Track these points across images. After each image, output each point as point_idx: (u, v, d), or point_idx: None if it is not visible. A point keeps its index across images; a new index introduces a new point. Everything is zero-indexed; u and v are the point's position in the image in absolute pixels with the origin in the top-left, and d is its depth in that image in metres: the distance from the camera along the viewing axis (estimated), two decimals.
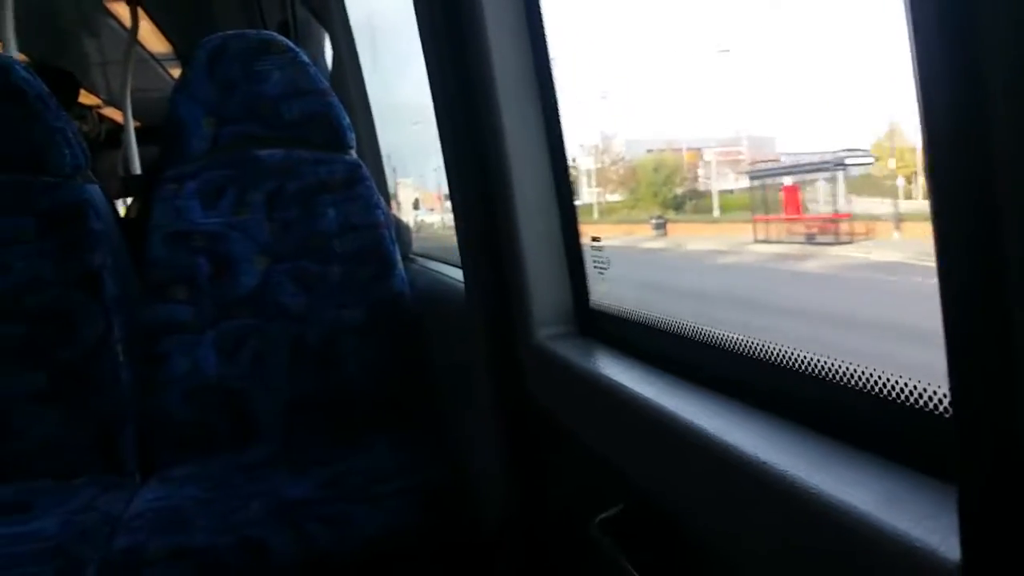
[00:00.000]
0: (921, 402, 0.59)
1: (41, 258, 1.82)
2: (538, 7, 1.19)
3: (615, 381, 0.89)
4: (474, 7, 1.19)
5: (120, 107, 4.24)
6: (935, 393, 0.57)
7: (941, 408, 0.57)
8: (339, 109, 1.95)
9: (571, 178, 1.20)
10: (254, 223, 1.89)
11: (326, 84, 1.98)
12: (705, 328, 0.85)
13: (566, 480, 1.13)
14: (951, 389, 0.45)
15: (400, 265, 1.91)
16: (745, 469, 0.65)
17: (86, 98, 4.15)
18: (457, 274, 1.57)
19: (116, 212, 2.07)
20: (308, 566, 1.42)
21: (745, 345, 0.78)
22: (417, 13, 1.32)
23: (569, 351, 1.07)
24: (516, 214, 1.21)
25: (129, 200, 2.83)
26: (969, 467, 0.44)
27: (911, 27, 0.42)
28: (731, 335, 0.80)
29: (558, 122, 1.18)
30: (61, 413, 1.78)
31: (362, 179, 1.92)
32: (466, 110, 1.29)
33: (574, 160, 1.26)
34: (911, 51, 0.43)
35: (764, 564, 0.63)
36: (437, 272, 1.93)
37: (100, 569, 1.37)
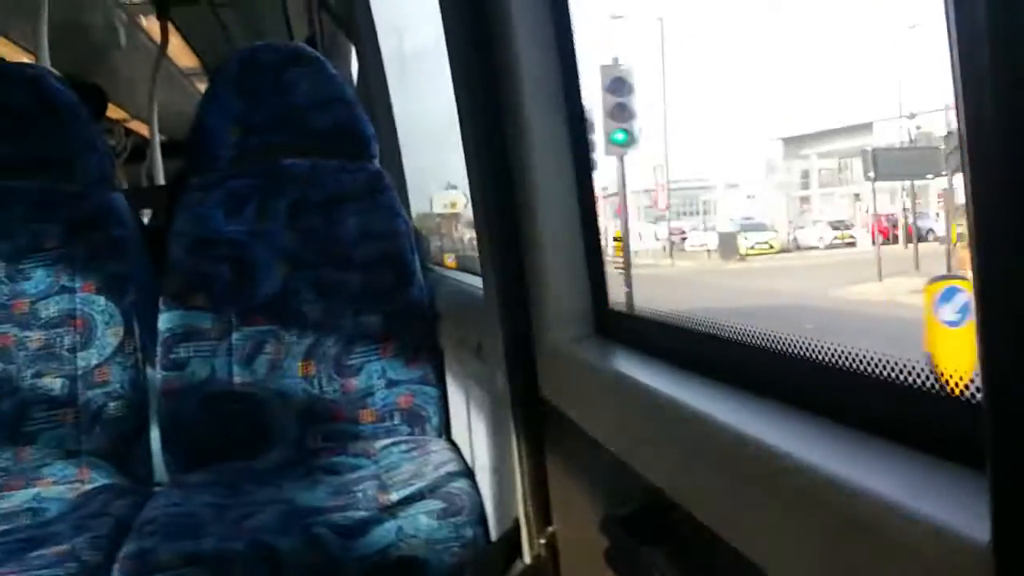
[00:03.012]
0: (946, 390, 0.58)
1: (63, 264, 1.84)
2: (566, 14, 1.20)
3: (630, 378, 0.88)
4: (502, 13, 1.20)
5: (147, 121, 4.30)
6: (960, 380, 0.56)
7: (967, 394, 0.56)
8: (364, 119, 1.96)
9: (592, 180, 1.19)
10: (276, 231, 1.90)
11: (352, 94, 1.99)
12: (722, 323, 0.84)
13: (581, 482, 1.11)
14: (983, 374, 0.44)
15: (419, 273, 1.91)
16: (766, 462, 0.64)
17: (113, 112, 4.21)
18: (477, 282, 1.57)
19: (140, 220, 2.09)
20: (320, 573, 1.41)
21: (763, 338, 0.77)
22: (444, 18, 1.33)
23: (586, 351, 1.06)
24: (538, 217, 1.21)
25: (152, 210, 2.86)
26: (1002, 450, 0.43)
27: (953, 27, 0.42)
28: (750, 328, 0.79)
29: (583, 126, 1.19)
30: (77, 419, 1.79)
31: (384, 188, 1.93)
32: (490, 115, 1.29)
33: None
34: (951, 41, 0.42)
35: (787, 557, 0.62)
36: (456, 280, 1.93)
37: (111, 573, 1.37)
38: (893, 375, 0.63)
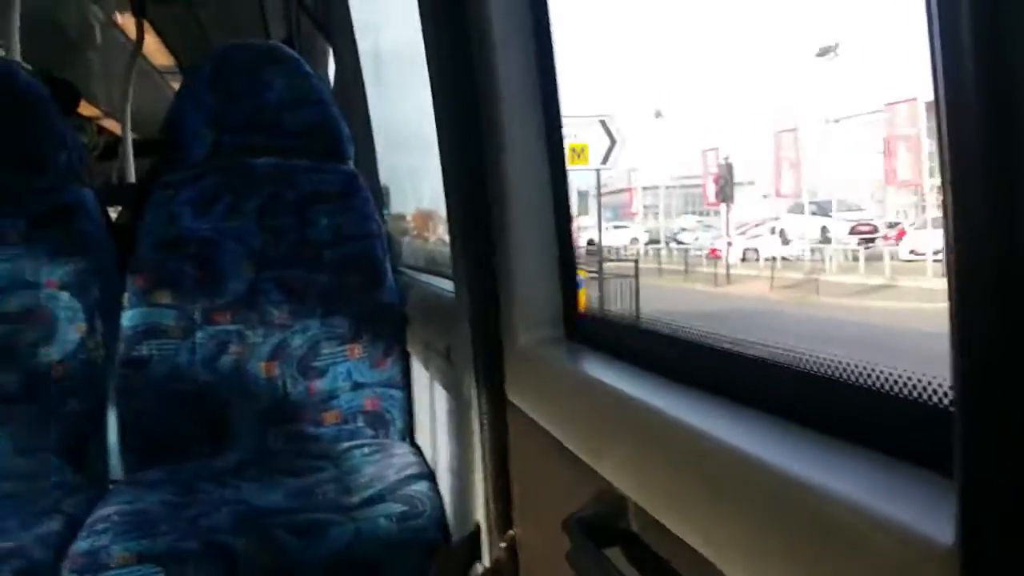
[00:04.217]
0: (914, 394, 0.57)
1: (28, 259, 1.81)
2: (545, 15, 1.19)
3: (597, 381, 0.87)
4: (481, 17, 1.20)
5: (119, 119, 4.24)
6: (928, 385, 0.56)
7: (935, 399, 0.55)
8: (339, 120, 1.94)
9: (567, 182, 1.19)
10: (245, 230, 1.88)
11: (327, 94, 1.98)
12: (692, 328, 0.83)
13: (545, 485, 1.10)
14: (954, 379, 0.44)
15: (391, 276, 1.90)
16: (733, 465, 0.64)
17: (85, 109, 4.15)
18: (449, 285, 1.56)
19: (108, 217, 2.06)
20: (275, 575, 1.38)
21: (733, 343, 0.76)
22: (422, 16, 1.32)
23: (554, 354, 1.05)
24: (510, 219, 1.20)
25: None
26: (970, 454, 0.43)
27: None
28: (719, 334, 0.79)
29: (559, 128, 1.18)
30: (32, 415, 1.75)
31: (358, 190, 1.91)
32: (466, 118, 1.29)
33: None
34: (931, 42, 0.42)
35: (751, 559, 0.61)
36: (427, 283, 1.92)
37: (59, 571, 1.33)
38: (859, 379, 0.62)
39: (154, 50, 4.29)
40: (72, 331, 1.80)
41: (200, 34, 3.97)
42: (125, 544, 1.36)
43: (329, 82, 2.62)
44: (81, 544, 1.37)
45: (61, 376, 1.77)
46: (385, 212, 2.41)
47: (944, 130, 0.41)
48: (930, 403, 0.56)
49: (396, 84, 2.51)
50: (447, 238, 1.42)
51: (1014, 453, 0.40)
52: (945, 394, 0.54)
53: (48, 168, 1.86)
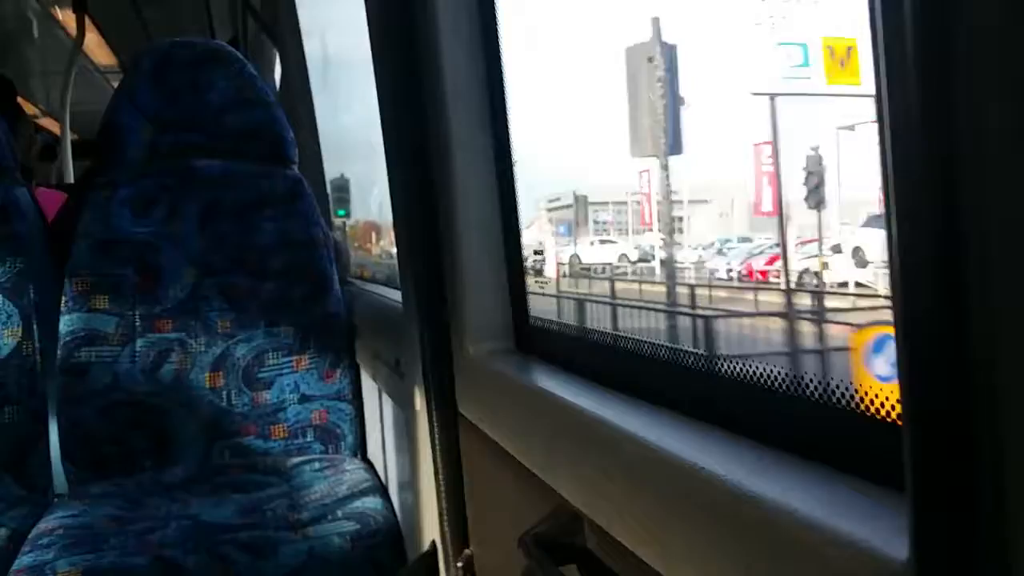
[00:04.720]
0: (862, 407, 0.57)
1: None
2: (493, 18, 1.18)
3: (548, 393, 0.86)
4: (427, 18, 1.18)
5: (58, 118, 4.13)
6: (876, 398, 0.56)
7: (883, 412, 0.56)
8: (283, 123, 1.91)
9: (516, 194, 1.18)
10: (186, 235, 1.83)
11: (272, 97, 1.94)
12: (642, 340, 0.83)
13: (499, 501, 1.09)
14: (903, 395, 0.44)
15: (337, 285, 1.86)
16: (683, 478, 0.63)
17: (23, 107, 4.03)
18: (397, 296, 1.54)
19: (44, 218, 1.99)
20: None
21: (681, 356, 0.76)
22: (369, 21, 1.31)
23: (503, 366, 1.04)
24: (459, 229, 1.18)
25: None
26: (921, 469, 0.42)
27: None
28: (666, 345, 0.78)
29: (507, 137, 1.17)
30: None
31: (303, 195, 1.88)
32: (413, 125, 1.27)
33: None
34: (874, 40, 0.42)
35: (706, 574, 0.61)
36: (375, 293, 1.89)
37: None
38: (812, 393, 0.62)
39: (96, 49, 4.19)
40: (7, 336, 1.74)
41: (143, 33, 3.89)
42: (70, 559, 1.31)
43: (275, 86, 2.58)
44: (24, 559, 1.32)
45: (0, 384, 1.71)
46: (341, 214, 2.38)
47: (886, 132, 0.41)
48: (881, 416, 0.56)
49: (341, 90, 2.48)
50: (392, 250, 1.40)
51: (962, 464, 0.40)
52: (893, 407, 0.54)
53: None
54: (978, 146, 0.36)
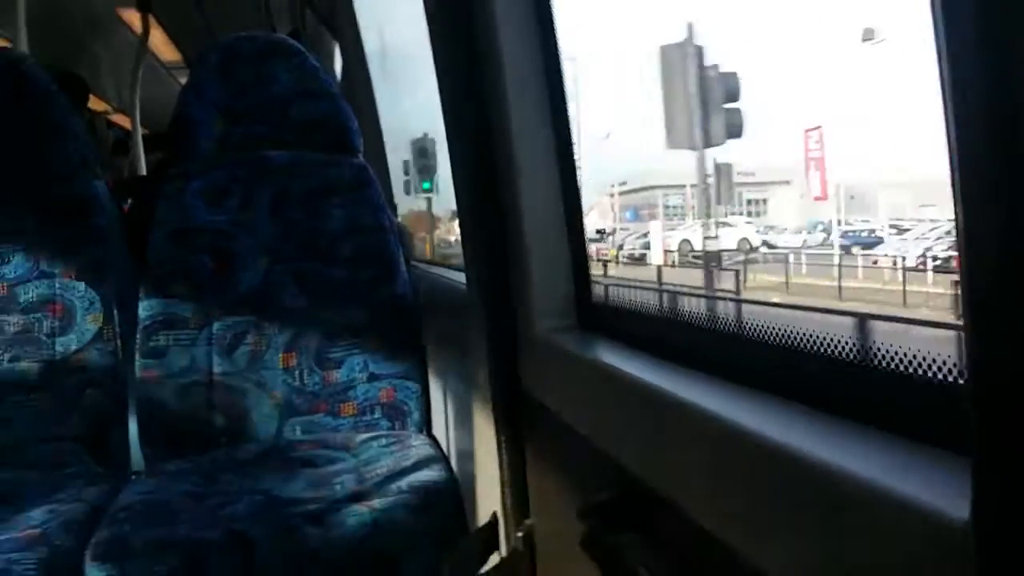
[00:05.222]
0: (928, 375, 0.58)
1: (43, 250, 1.82)
2: (549, 11, 1.20)
3: (611, 368, 0.88)
4: (486, 11, 1.20)
5: (129, 113, 4.26)
6: (943, 366, 0.57)
7: (950, 379, 0.56)
8: (347, 112, 1.95)
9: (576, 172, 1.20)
10: (258, 223, 1.89)
11: (335, 87, 1.98)
12: (704, 314, 0.85)
13: (560, 474, 1.12)
14: (968, 358, 0.45)
15: (404, 268, 1.90)
16: (748, 448, 0.65)
17: (95, 104, 4.18)
18: (462, 278, 1.57)
19: (120, 209, 2.07)
20: (294, 563, 1.40)
21: (746, 328, 0.78)
22: (428, 19, 1.33)
23: (567, 343, 1.06)
24: (522, 210, 1.21)
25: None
26: (986, 434, 0.43)
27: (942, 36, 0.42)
28: (729, 319, 0.80)
29: (566, 117, 1.19)
30: (53, 405, 1.77)
31: (369, 182, 1.92)
32: (474, 111, 1.30)
33: None
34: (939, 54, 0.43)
35: (766, 540, 0.62)
36: (440, 275, 1.92)
37: (82, 559, 1.35)
38: (877, 363, 0.63)
39: (161, 45, 4.30)
40: (89, 321, 1.82)
41: (206, 29, 3.98)
42: (146, 533, 1.37)
43: (336, 77, 2.63)
44: (103, 533, 1.39)
45: (80, 366, 1.79)
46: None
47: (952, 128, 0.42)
48: (944, 384, 0.57)
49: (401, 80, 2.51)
50: (449, 238, 1.43)
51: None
52: (961, 373, 0.55)
53: (60, 160, 1.88)
54: None
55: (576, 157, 1.22)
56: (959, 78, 0.41)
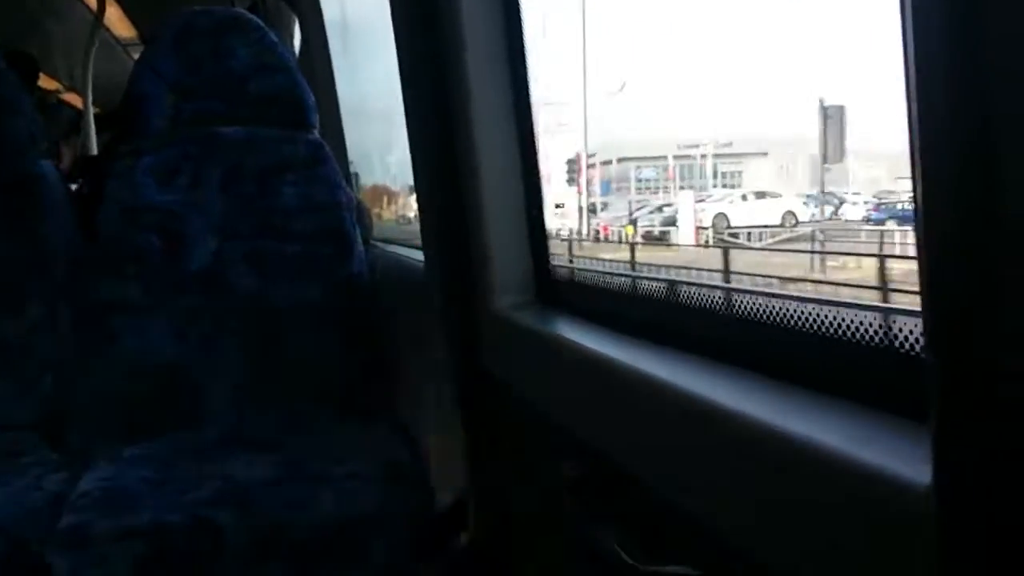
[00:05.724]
0: (885, 342, 0.57)
1: None
2: None
3: (572, 343, 0.87)
4: None
5: (81, 92, 4.16)
6: (899, 333, 0.56)
7: (906, 347, 0.56)
8: (304, 87, 1.91)
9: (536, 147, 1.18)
10: (209, 200, 1.85)
11: (293, 62, 1.94)
12: (662, 287, 0.83)
13: (526, 451, 1.10)
14: (926, 325, 0.44)
15: (360, 246, 1.88)
16: (711, 420, 0.64)
17: (46, 82, 4.06)
18: (420, 256, 1.54)
19: (68, 189, 2.02)
20: (261, 546, 1.38)
21: (704, 300, 0.76)
22: None
23: (527, 318, 1.05)
24: (480, 186, 1.18)
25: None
26: (945, 399, 0.43)
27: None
28: (689, 292, 0.79)
29: (526, 89, 1.17)
30: (5, 390, 1.72)
31: (325, 159, 1.88)
32: (433, 82, 1.27)
33: None
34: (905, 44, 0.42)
35: (733, 509, 0.61)
36: (398, 254, 1.90)
37: (45, 548, 1.32)
38: (833, 331, 0.62)
39: (117, 21, 4.20)
40: (37, 305, 1.77)
41: (163, 3, 3.89)
42: (109, 520, 1.34)
43: (295, 53, 2.58)
44: (66, 520, 1.35)
45: (30, 351, 1.74)
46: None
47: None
48: (902, 351, 0.56)
49: (359, 53, 2.46)
50: (407, 214, 1.41)
51: (986, 395, 0.40)
52: (917, 340, 0.54)
53: (6, 139, 1.82)
54: None
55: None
56: (923, 53, 0.41)
